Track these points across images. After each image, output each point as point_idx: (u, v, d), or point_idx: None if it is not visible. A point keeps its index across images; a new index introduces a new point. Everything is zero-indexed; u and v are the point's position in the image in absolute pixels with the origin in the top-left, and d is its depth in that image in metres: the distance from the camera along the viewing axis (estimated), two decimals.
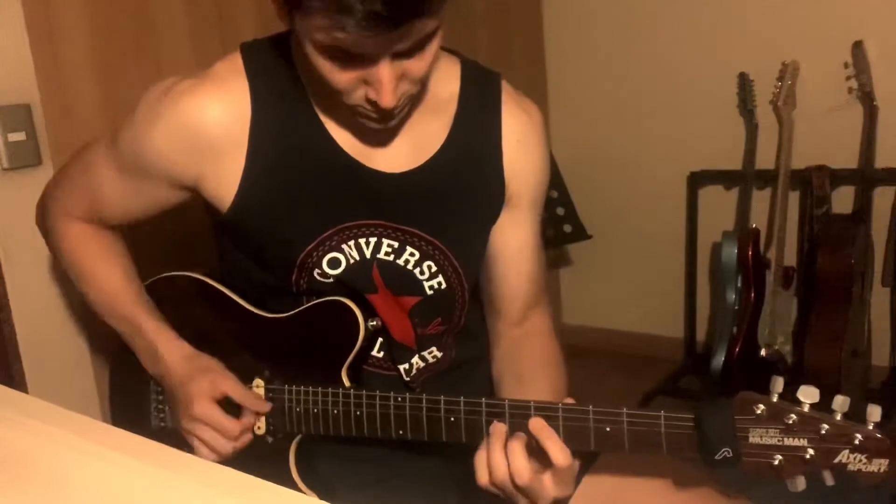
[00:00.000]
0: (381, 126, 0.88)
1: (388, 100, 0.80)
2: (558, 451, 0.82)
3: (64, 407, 0.74)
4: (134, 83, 1.62)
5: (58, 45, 1.50)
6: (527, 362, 1.03)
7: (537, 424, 0.83)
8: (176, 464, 0.63)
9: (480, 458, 0.85)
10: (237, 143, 0.92)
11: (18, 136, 1.44)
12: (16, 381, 1.46)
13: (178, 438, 0.97)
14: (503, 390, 1.02)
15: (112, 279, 1.04)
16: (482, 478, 0.85)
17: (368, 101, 0.83)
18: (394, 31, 0.74)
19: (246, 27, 1.81)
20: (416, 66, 0.82)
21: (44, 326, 1.49)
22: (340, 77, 0.81)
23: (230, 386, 0.97)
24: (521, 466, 0.82)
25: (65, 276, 1.11)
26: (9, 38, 1.43)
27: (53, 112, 1.50)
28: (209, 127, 0.91)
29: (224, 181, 0.93)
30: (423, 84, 0.87)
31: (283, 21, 0.82)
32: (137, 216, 1.04)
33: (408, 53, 0.80)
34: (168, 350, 1.00)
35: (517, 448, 0.83)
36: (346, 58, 0.78)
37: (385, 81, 0.79)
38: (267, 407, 0.98)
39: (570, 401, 0.85)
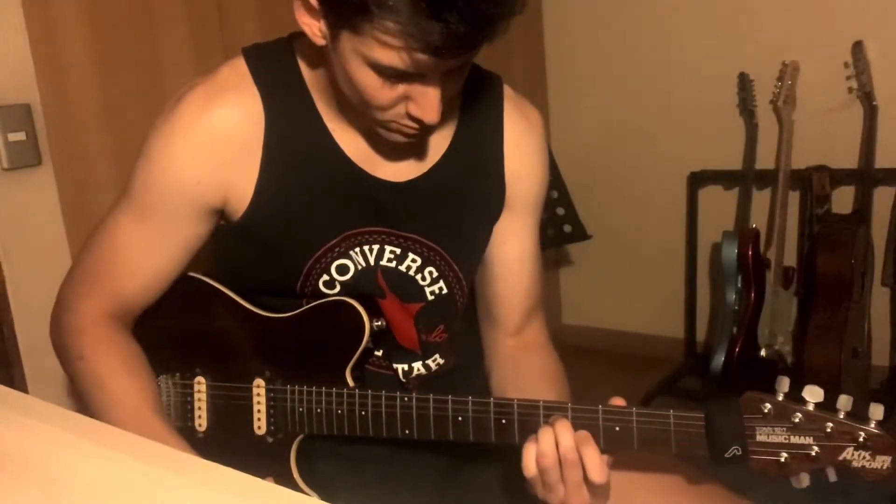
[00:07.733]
0: (411, 140, 0.88)
1: (434, 117, 0.81)
2: (595, 467, 0.81)
3: (64, 407, 0.74)
4: (134, 83, 1.62)
5: (58, 45, 1.50)
6: (531, 378, 1.01)
7: (582, 436, 0.82)
8: (176, 464, 0.63)
9: (529, 449, 0.83)
10: (253, 150, 0.91)
11: (18, 136, 1.44)
12: (16, 381, 1.46)
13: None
14: None
15: (130, 395, 0.93)
16: (529, 468, 0.83)
17: (409, 116, 0.83)
18: (467, 53, 0.76)
19: (246, 28, 1.81)
20: (456, 82, 0.84)
21: (44, 326, 1.48)
22: (386, 94, 0.81)
23: None
24: (569, 445, 0.81)
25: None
26: (9, 38, 1.43)
27: (53, 112, 1.50)
28: (230, 134, 0.90)
29: (240, 190, 0.92)
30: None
31: (317, 38, 0.81)
32: (164, 274, 0.97)
33: (455, 71, 0.81)
34: None
35: (565, 431, 0.82)
36: (398, 75, 0.78)
37: (436, 100, 0.80)
38: None
39: None
